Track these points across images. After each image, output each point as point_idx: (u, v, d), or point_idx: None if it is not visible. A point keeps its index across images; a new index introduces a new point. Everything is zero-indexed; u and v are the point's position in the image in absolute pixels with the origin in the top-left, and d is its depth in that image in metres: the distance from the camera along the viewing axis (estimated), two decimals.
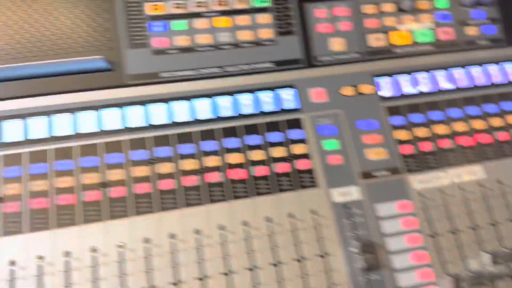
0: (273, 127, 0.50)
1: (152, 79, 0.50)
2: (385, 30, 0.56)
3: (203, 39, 0.52)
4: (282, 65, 0.53)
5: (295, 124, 0.50)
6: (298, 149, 0.49)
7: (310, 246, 0.45)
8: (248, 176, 0.47)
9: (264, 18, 0.54)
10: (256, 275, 0.43)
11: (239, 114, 0.50)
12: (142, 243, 0.43)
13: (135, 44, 0.51)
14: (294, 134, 0.50)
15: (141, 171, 0.46)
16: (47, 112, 0.48)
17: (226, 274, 0.43)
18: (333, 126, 0.51)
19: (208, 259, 0.43)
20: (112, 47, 0.50)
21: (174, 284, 0.42)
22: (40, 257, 0.42)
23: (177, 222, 0.44)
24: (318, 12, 0.55)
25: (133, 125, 0.48)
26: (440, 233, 0.47)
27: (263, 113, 0.51)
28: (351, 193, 0.48)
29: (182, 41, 0.52)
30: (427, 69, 0.55)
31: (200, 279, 0.42)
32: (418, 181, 0.49)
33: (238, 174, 0.47)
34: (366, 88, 0.53)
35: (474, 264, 0.46)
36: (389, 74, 0.54)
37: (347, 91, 0.53)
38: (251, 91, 0.52)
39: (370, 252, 0.44)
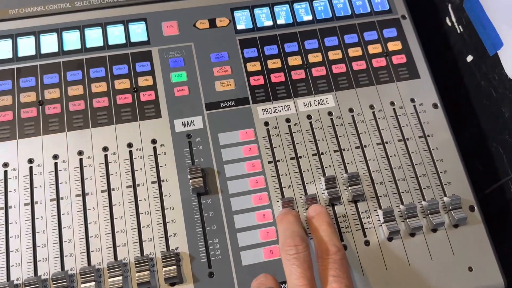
0: (120, 59, 0.50)
1: None
2: None
3: None
4: None
5: (145, 56, 0.50)
6: (144, 81, 0.49)
7: (147, 172, 0.46)
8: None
9: None
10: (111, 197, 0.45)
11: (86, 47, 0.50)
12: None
13: None
14: (141, 66, 0.50)
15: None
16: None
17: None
18: (182, 59, 0.51)
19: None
20: None
21: None
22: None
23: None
24: None
25: None
26: (280, 160, 0.48)
27: (111, 46, 0.51)
28: (194, 123, 0.48)
29: None
30: (286, 2, 0.55)
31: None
32: (264, 111, 0.50)
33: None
34: (221, 22, 0.53)
35: (311, 189, 0.47)
36: (247, 7, 0.54)
37: (202, 24, 0.53)
38: (100, 24, 0.51)
39: (199, 177, 0.44)
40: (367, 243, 0.45)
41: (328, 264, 0.39)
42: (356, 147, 0.49)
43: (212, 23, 0.53)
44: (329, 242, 0.40)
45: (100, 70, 0.49)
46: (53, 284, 0.40)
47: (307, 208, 0.45)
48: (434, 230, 0.46)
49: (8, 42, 0.50)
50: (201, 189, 0.45)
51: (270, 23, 0.54)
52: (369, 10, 0.55)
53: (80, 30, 0.51)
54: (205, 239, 0.44)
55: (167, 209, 0.45)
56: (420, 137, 0.49)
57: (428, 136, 0.49)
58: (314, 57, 0.52)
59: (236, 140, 0.48)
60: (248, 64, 0.51)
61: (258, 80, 0.51)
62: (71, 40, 0.50)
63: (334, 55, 0.52)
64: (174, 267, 0.41)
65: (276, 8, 0.54)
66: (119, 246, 0.43)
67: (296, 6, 0.55)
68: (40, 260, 0.42)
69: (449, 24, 0.58)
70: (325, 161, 0.48)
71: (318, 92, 0.51)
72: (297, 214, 0.44)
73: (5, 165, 0.45)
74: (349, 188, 0.46)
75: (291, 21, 0.54)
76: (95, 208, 0.44)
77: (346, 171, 0.47)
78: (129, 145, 0.47)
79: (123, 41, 0.51)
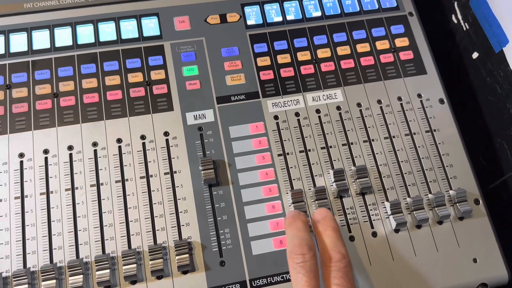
0: (133, 53, 0.51)
1: None
2: None
3: None
4: None
5: (157, 50, 0.51)
6: (157, 75, 0.50)
7: (160, 164, 0.47)
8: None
9: None
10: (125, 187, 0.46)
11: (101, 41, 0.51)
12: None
13: None
14: (154, 60, 0.51)
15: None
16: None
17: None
18: (193, 53, 0.52)
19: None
20: None
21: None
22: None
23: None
24: None
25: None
26: (290, 153, 0.49)
27: (124, 40, 0.52)
28: (206, 116, 0.49)
29: None
30: None
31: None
32: (274, 105, 0.51)
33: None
34: (232, 17, 0.54)
35: (320, 181, 0.48)
36: (257, 3, 0.55)
37: (213, 19, 0.54)
38: (113, 19, 0.52)
39: (211, 169, 0.45)
40: (374, 234, 0.46)
41: (332, 272, 0.39)
42: (364, 141, 0.50)
43: (223, 18, 0.54)
44: (333, 249, 0.40)
45: (114, 64, 0.50)
46: (69, 271, 0.41)
47: (316, 200, 0.46)
48: (440, 222, 0.47)
49: (23, 36, 0.51)
50: (212, 181, 0.46)
51: (279, 18, 0.55)
52: (377, 6, 0.56)
53: (93, 24, 0.52)
54: (216, 229, 0.45)
55: (180, 200, 0.46)
56: (426, 131, 0.50)
57: (435, 130, 0.50)
58: (323, 53, 0.53)
59: (247, 133, 0.49)
60: (258, 59, 0.52)
61: (268, 75, 0.52)
62: (85, 33, 0.51)
63: (343, 50, 0.53)
64: (187, 255, 0.43)
65: (286, 4, 0.55)
66: (133, 235, 0.44)
67: (305, 2, 0.56)
68: (55, 248, 0.43)
69: (455, 21, 0.59)
70: (333, 155, 0.49)
71: (327, 87, 0.52)
72: (306, 219, 0.44)
73: (21, 155, 0.46)
74: (357, 180, 0.47)
75: (301, 17, 0.55)
76: (109, 198, 0.45)
77: (354, 164, 0.48)
78: (142, 137, 0.48)
79: (136, 35, 0.52)
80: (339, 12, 0.55)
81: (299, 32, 0.54)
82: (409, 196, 0.48)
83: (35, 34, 0.51)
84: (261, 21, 0.54)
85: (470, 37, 0.57)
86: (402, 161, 0.49)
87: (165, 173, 0.47)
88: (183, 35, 0.53)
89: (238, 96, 0.51)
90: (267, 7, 0.55)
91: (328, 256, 0.40)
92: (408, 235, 0.46)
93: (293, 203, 0.46)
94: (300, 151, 0.49)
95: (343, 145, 0.49)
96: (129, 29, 0.52)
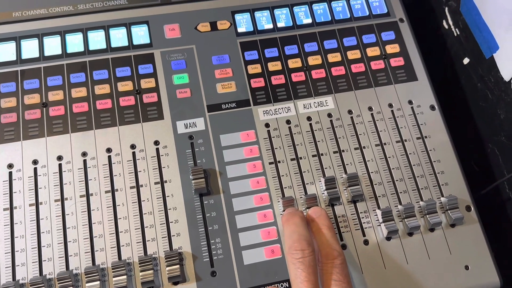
0: (123, 61, 0.51)
1: None
2: None
3: None
4: (137, 2, 0.53)
5: (147, 59, 0.51)
6: (147, 83, 0.50)
7: (150, 173, 0.47)
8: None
9: None
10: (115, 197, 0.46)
11: (90, 49, 0.51)
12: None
13: None
14: (144, 68, 0.51)
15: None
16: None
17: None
18: (184, 61, 0.52)
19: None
20: None
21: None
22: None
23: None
24: None
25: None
26: (281, 161, 0.48)
27: (114, 49, 0.51)
28: (196, 124, 0.49)
29: None
30: (286, 5, 0.55)
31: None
32: (265, 113, 0.50)
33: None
34: (223, 25, 0.54)
35: (312, 189, 0.48)
36: (248, 10, 0.55)
37: (203, 27, 0.53)
38: (103, 27, 0.52)
39: (201, 178, 0.45)
40: (366, 242, 0.46)
41: (329, 268, 0.40)
42: (355, 148, 0.50)
43: (214, 26, 0.54)
44: (330, 247, 0.41)
45: (103, 72, 0.50)
46: (58, 283, 0.41)
47: (307, 208, 0.46)
48: (432, 230, 0.47)
49: (12, 45, 0.50)
50: (203, 190, 0.45)
51: (270, 26, 0.54)
52: (367, 13, 0.56)
53: (83, 32, 0.51)
54: (207, 239, 0.45)
55: (170, 210, 0.45)
56: (417, 138, 0.50)
57: (426, 137, 0.50)
58: (313, 60, 0.53)
59: (238, 142, 0.49)
60: (249, 67, 0.52)
61: (259, 82, 0.52)
62: (74, 42, 0.51)
63: (333, 57, 0.53)
64: (178, 266, 0.42)
65: (276, 11, 0.55)
66: (123, 246, 0.44)
67: (296, 9, 0.55)
68: (45, 260, 0.43)
69: (446, 27, 0.59)
70: (324, 162, 0.49)
71: (318, 94, 0.52)
72: (303, 215, 0.44)
73: (10, 166, 0.46)
74: (349, 188, 0.47)
75: (291, 24, 0.55)
76: (99, 209, 0.45)
77: (346, 172, 0.48)
78: (132, 146, 0.47)
79: (126, 43, 0.52)
80: (330, 19, 0.55)
81: (290, 39, 0.54)
82: (400, 203, 0.48)
83: (24, 43, 0.50)
84: (251, 29, 0.54)
85: (461, 43, 0.57)
86: (393, 168, 0.49)
87: (156, 183, 0.46)
88: (173, 43, 0.52)
89: (229, 104, 0.50)
90: (257, 14, 0.55)
91: (325, 254, 0.41)
92: (399, 242, 0.46)
93: (284, 211, 0.46)
94: (292, 159, 0.49)
95: (334, 152, 0.49)
96: (118, 37, 0.52)
